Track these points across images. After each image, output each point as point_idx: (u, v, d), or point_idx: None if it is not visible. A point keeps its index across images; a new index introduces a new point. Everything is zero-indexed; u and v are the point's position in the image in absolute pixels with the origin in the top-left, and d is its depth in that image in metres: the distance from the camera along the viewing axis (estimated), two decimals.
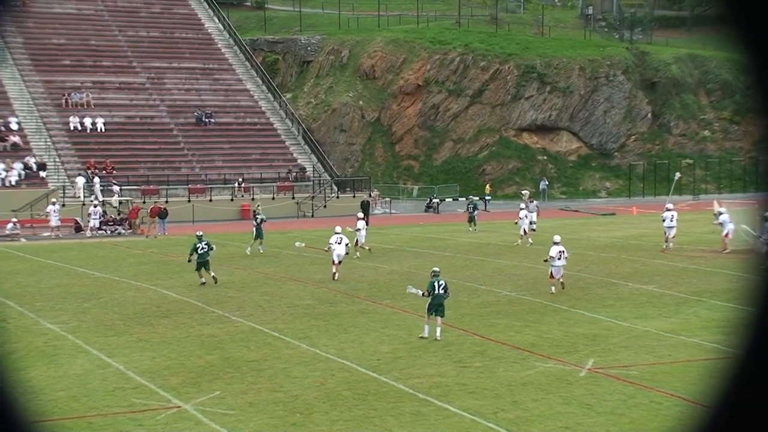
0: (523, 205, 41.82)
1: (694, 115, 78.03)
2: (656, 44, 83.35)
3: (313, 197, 58.79)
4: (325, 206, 57.76)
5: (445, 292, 19.64)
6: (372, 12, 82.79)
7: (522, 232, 39.09)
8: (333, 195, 59.77)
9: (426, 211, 60.91)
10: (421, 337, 19.53)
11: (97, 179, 54.07)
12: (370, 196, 58.75)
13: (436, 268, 20.45)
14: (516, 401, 14.61)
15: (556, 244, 25.71)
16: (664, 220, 36.44)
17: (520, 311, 22.94)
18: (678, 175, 57.12)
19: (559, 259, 25.42)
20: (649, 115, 76.82)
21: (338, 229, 30.68)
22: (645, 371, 16.49)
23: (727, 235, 34.21)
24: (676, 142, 76.65)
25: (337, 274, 28.87)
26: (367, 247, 35.15)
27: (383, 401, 14.69)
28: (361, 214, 37.03)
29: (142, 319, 22.39)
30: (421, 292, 19.80)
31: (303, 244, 31.58)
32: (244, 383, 15.95)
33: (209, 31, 73.92)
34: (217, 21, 75.33)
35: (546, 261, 26.00)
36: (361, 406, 14.46)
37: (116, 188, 53.85)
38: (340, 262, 29.36)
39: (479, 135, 72.00)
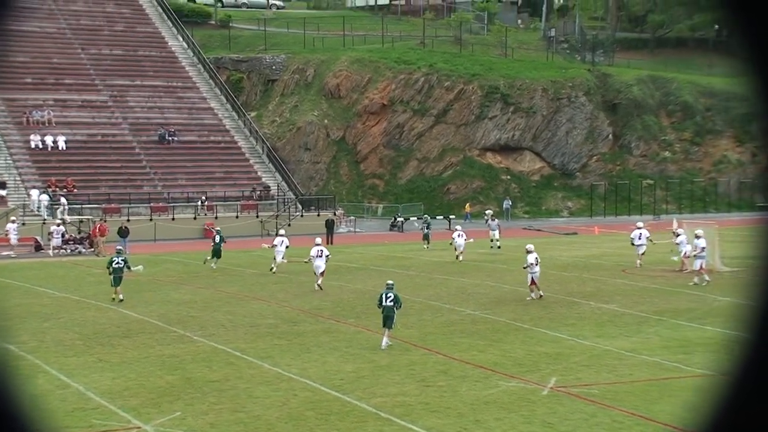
0: (458, 227, 42.97)
1: (655, 136, 79.11)
2: (618, 66, 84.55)
3: (277, 216, 58.59)
4: (289, 225, 57.51)
5: (394, 304, 20.26)
6: (337, 32, 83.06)
7: (456, 252, 40.33)
8: (297, 213, 59.62)
9: (390, 229, 60.98)
10: (382, 349, 20.24)
11: (64, 200, 53.30)
12: (334, 214, 58.71)
13: (390, 281, 21.30)
14: (479, 420, 14.64)
15: (530, 252, 27.75)
16: (633, 240, 37.02)
17: (483, 330, 23.02)
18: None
19: (536, 265, 27.55)
20: (611, 135, 77.75)
21: (318, 240, 32.18)
22: (606, 390, 16.61)
23: (685, 255, 34.60)
24: (637, 163, 77.62)
25: (319, 284, 29.98)
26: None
27: (346, 421, 14.64)
28: (318, 239, 34.73)
29: (102, 339, 22.12)
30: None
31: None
32: (205, 404, 15.80)
33: (173, 49, 73.62)
34: (180, 39, 75.08)
35: (525, 268, 27.97)
36: (324, 426, 14.40)
37: (63, 200, 53.02)
38: (322, 273, 30.44)
39: (443, 154, 72.39)
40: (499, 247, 45.00)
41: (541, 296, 27.94)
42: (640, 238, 36.59)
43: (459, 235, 40.89)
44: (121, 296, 28.18)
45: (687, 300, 27.66)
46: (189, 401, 15.98)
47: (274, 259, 36.02)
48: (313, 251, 30.92)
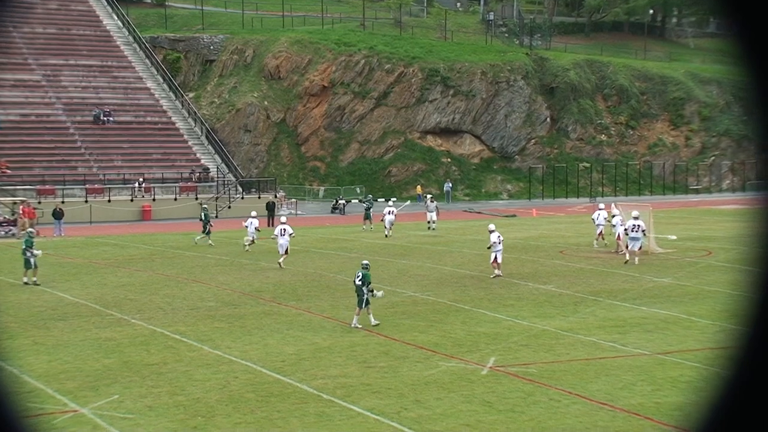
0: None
1: (591, 119, 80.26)
2: (555, 50, 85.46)
3: (217, 198, 58.05)
4: (229, 207, 57.11)
5: (363, 283, 20.84)
6: (276, 12, 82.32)
7: (386, 230, 42.58)
8: (238, 196, 59.14)
9: (332, 212, 60.90)
10: (353, 327, 20.81)
11: None
12: (275, 197, 58.38)
13: (365, 261, 21.96)
14: (419, 400, 14.75)
15: (492, 231, 28.81)
16: (594, 219, 37.85)
17: (424, 311, 23.17)
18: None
19: (499, 243, 28.50)
20: (548, 119, 78.69)
21: (283, 219, 33.57)
22: (544, 369, 16.87)
23: (618, 236, 35.30)
24: (574, 146, 78.71)
25: (280, 263, 30.98)
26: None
27: (287, 402, 14.62)
28: (284, 218, 35.41)
29: (37, 322, 21.70)
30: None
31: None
32: (143, 387, 15.63)
33: (108, 28, 72.17)
34: (115, 18, 73.60)
35: (489, 248, 28.92)
36: (265, 408, 14.35)
37: None
38: (286, 252, 31.36)
39: (385, 137, 72.44)
40: (434, 229, 45.29)
41: (499, 275, 28.58)
42: (599, 218, 37.51)
43: (390, 212, 43.03)
44: (35, 279, 27.73)
45: (622, 281, 28.20)
46: (127, 384, 15.79)
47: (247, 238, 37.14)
48: (276, 230, 32.13)
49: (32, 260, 27.80)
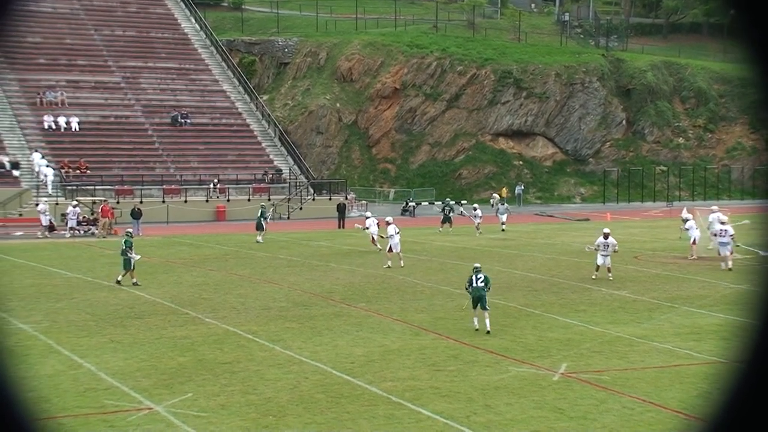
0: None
1: (668, 122, 78.70)
2: (631, 51, 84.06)
3: (289, 199, 58.66)
4: (301, 208, 57.68)
5: (485, 285, 20.71)
6: (349, 15, 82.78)
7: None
8: (309, 197, 59.67)
9: (402, 214, 60.92)
10: (476, 330, 20.55)
11: (50, 171, 53.37)
12: (346, 198, 58.71)
13: (477, 264, 21.66)
14: (489, 405, 14.64)
15: (605, 236, 28.73)
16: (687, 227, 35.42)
17: (494, 315, 22.96)
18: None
19: (606, 247, 28.39)
20: (624, 121, 77.42)
21: (390, 218, 34.55)
22: (617, 376, 16.58)
23: (694, 242, 34.46)
24: (651, 149, 77.28)
25: (389, 262, 31.81)
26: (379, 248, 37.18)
27: (356, 404, 14.67)
28: (390, 218, 35.24)
29: (114, 320, 22.22)
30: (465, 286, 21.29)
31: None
32: (216, 385, 15.86)
33: (185, 31, 73.59)
34: (193, 21, 75.01)
35: (594, 249, 29.05)
36: (335, 409, 14.43)
37: (48, 171, 53.47)
38: (399, 251, 32.10)
39: (456, 139, 72.22)
40: (503, 231, 45.81)
41: (609, 272, 28.67)
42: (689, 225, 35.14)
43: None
44: (134, 279, 28.03)
45: (698, 287, 27.57)
46: (200, 383, 16.05)
47: (373, 240, 37.70)
48: (390, 229, 32.61)
49: (132, 261, 27.93)
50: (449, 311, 23.51)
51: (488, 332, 20.25)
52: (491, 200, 59.89)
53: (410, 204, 61.95)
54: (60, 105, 61.09)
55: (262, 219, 42.27)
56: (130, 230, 31.25)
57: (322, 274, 30.54)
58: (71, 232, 45.71)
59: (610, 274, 28.89)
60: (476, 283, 20.63)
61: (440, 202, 51.16)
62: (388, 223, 33.62)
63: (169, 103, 65.02)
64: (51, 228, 46.42)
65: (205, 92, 67.65)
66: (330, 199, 58.41)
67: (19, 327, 21.31)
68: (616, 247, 29.50)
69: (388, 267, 31.74)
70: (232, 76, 70.09)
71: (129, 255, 27.87)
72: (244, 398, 15.03)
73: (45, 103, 60.79)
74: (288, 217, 56.85)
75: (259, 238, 41.49)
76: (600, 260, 29.07)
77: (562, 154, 75.08)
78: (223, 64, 71.10)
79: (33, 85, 62.05)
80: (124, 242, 28.33)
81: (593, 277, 29.01)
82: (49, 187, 53.13)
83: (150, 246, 39.67)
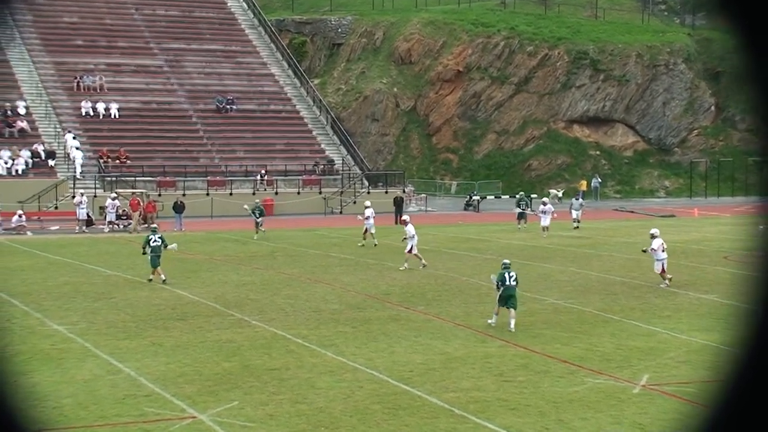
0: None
1: None
2: (721, 30, 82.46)
3: (341, 192, 58.91)
4: (354, 202, 57.85)
5: (516, 284, 21.43)
6: None
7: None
8: (363, 190, 59.81)
9: (465, 209, 60.76)
10: (488, 324, 21.56)
11: (79, 153, 54.49)
12: (404, 191, 58.76)
13: (507, 260, 22.25)
14: (562, 420, 14.53)
15: (655, 237, 27.74)
16: None
17: (567, 321, 22.81)
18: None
19: (663, 251, 27.56)
20: (713, 107, 76.12)
21: (407, 218, 35.12)
22: (704, 389, 16.32)
23: None
24: (742, 138, 75.79)
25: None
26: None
27: (416, 417, 14.67)
28: (407, 217, 36.07)
29: (155, 322, 22.55)
30: (495, 282, 21.65)
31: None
32: (264, 393, 16.00)
33: (232, 10, 74.34)
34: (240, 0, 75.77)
35: (645, 251, 28.53)
36: (392, 421, 14.44)
37: (78, 153, 54.83)
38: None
39: (525, 127, 71.75)
40: (577, 228, 46.10)
41: (669, 280, 27.76)
42: None
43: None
44: (163, 276, 28.49)
45: None
46: (247, 390, 16.20)
47: (365, 234, 38.70)
48: (410, 229, 32.26)
49: (158, 258, 28.60)
50: (518, 316, 23.35)
51: (510, 330, 20.97)
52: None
53: (474, 198, 61.68)
54: (98, 90, 62.22)
55: (254, 215, 42.47)
56: (155, 225, 31.90)
57: (377, 274, 30.59)
58: (110, 226, 46.54)
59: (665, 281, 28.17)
60: (509, 281, 21.30)
61: (516, 196, 50.60)
62: (406, 223, 33.35)
63: (214, 88, 65.75)
64: (89, 222, 47.31)
65: (253, 76, 68.26)
66: (386, 192, 58.50)
67: (54, 328, 21.76)
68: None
69: (405, 268, 31.37)
70: (281, 58, 70.60)
71: (167, 247, 29.11)
72: (294, 408, 15.13)
73: (82, 87, 61.98)
74: (341, 212, 57.11)
75: (256, 237, 41.55)
76: (657, 267, 28.08)
77: (644, 143, 74.11)
78: (272, 45, 71.66)
79: (69, 69, 63.27)
80: (159, 237, 29.06)
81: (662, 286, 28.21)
82: (78, 170, 54.09)
83: (193, 242, 40.21)
